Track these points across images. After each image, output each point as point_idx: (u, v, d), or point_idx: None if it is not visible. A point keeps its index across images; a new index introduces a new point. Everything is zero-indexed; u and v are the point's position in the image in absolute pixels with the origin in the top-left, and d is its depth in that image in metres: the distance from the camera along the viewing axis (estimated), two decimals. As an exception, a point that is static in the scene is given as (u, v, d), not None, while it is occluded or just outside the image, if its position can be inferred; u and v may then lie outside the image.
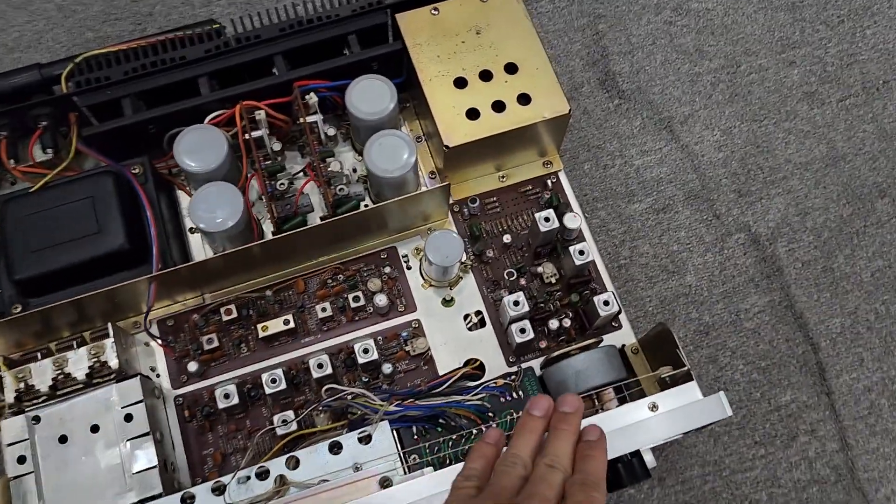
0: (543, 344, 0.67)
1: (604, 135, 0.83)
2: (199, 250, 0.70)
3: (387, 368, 0.65)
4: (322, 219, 0.68)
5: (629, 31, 0.89)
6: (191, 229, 0.71)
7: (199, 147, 0.65)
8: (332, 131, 0.68)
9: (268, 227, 0.69)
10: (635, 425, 0.56)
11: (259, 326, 0.66)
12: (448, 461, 0.60)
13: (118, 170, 0.66)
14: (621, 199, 0.81)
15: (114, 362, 0.61)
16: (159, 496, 0.57)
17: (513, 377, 0.62)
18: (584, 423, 0.51)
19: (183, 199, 0.72)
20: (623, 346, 0.66)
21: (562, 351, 0.63)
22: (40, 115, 0.66)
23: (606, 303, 0.64)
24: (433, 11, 0.70)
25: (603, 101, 0.85)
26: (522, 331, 0.64)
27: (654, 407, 0.57)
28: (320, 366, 0.63)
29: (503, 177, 0.73)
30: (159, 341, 0.66)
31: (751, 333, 0.77)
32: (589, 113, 0.84)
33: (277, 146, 0.67)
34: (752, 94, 0.87)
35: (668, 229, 0.80)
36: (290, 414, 0.62)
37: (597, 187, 0.81)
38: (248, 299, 0.67)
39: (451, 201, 0.71)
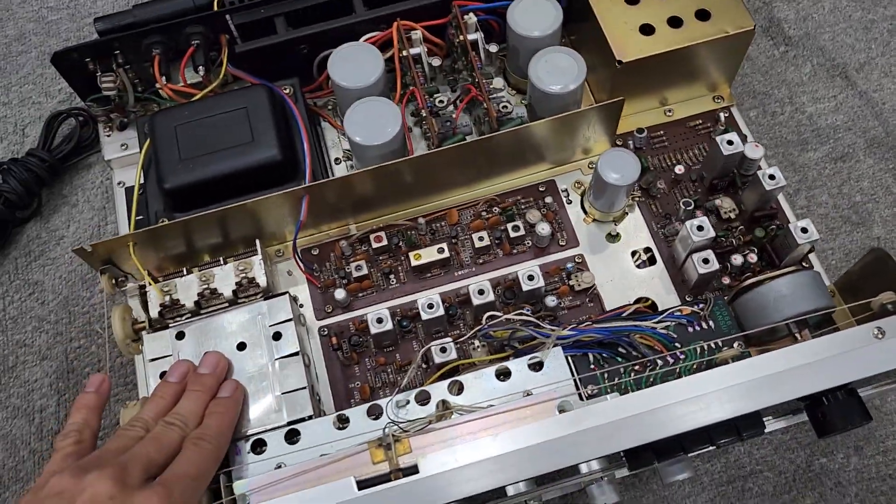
0: (726, 280, 0.60)
1: (770, 81, 0.77)
2: (346, 181, 0.66)
3: (551, 301, 0.59)
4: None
5: (792, -22, 0.83)
6: (336, 160, 0.67)
7: (354, 64, 0.62)
8: (494, 47, 0.63)
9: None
10: (851, 353, 0.47)
11: (411, 255, 0.61)
12: (629, 392, 0.52)
13: (270, 87, 0.63)
14: (793, 147, 0.74)
15: (262, 280, 0.57)
16: (309, 418, 0.52)
17: (701, 305, 0.55)
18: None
19: (328, 131, 0.69)
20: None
21: (755, 279, 0.55)
22: (193, 33, 0.64)
23: (805, 230, 0.56)
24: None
25: (767, 48, 0.78)
26: (706, 261, 0.57)
27: (880, 333, 0.48)
28: (481, 292, 0.57)
29: (669, 111, 0.67)
30: (302, 266, 0.61)
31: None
32: (752, 59, 0.78)
33: (437, 62, 0.63)
34: (936, 43, 0.78)
35: (849, 179, 0.72)
36: (448, 340, 0.56)
37: (765, 135, 0.74)
38: (399, 228, 0.62)
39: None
